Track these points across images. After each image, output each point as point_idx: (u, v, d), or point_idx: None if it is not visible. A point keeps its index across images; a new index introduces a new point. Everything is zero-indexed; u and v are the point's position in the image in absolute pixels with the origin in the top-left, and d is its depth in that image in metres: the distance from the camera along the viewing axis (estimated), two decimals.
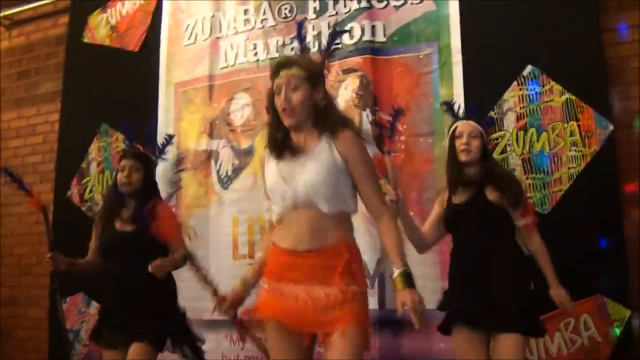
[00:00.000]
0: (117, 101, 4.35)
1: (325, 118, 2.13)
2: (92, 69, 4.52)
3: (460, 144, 2.71)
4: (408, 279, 1.98)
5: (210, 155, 4.03)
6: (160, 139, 3.79)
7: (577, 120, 3.29)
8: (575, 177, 3.26)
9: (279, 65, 2.15)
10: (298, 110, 2.08)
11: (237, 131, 3.99)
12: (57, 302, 3.41)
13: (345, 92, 3.71)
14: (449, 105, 3.00)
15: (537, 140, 3.38)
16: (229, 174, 3.96)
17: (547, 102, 3.38)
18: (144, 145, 3.30)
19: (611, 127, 3.23)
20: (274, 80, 2.13)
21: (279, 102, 2.09)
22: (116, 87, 4.38)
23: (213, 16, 4.20)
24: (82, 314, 4.28)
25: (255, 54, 4.02)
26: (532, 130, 3.39)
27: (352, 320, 2.00)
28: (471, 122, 2.75)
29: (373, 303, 3.43)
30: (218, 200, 3.98)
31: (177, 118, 4.17)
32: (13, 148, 5.15)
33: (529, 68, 3.42)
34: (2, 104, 5.29)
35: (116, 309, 2.94)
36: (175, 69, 4.28)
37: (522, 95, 3.43)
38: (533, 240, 2.63)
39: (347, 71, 3.73)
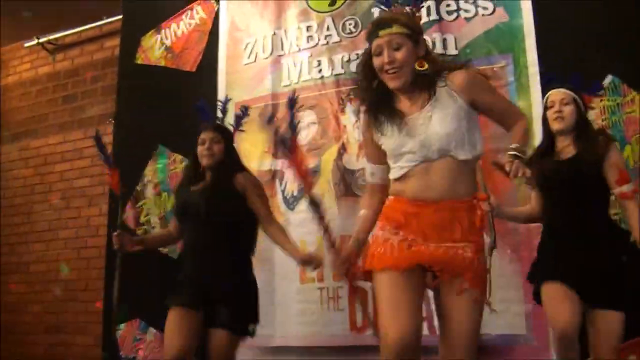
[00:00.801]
0: (174, 122, 4.27)
1: (427, 76, 2.04)
2: (147, 91, 4.45)
3: (552, 112, 2.68)
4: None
5: (274, 176, 3.93)
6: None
7: None
8: None
9: (377, 26, 2.08)
10: (403, 70, 2.01)
11: (303, 151, 3.88)
12: (112, 286, 3.25)
13: None
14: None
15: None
16: (295, 194, 3.85)
17: (629, 112, 3.29)
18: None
19: None
20: (372, 42, 2.05)
21: (381, 63, 2.02)
22: (173, 108, 4.31)
23: (274, 34, 4.14)
24: (138, 340, 4.13)
25: (320, 70, 3.94)
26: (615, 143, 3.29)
27: (478, 284, 1.96)
28: (562, 90, 2.70)
29: None
30: (284, 222, 3.85)
31: (238, 138, 4.06)
32: (59, 172, 5.06)
33: (609, 78, 3.34)
34: (46, 128, 5.22)
35: (197, 274, 2.81)
36: (235, 89, 4.19)
37: (604, 107, 3.34)
38: (629, 208, 2.52)
39: None
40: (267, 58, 4.14)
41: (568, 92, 2.68)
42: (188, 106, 4.20)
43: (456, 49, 3.65)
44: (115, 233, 2.99)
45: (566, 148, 2.65)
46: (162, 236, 3.13)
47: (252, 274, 2.91)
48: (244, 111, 3.32)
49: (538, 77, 3.45)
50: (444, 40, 3.67)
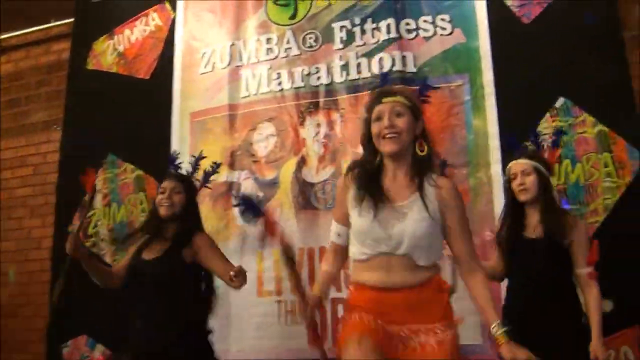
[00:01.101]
0: (126, 131, 4.16)
1: (424, 162, 2.06)
2: (98, 97, 4.30)
3: (516, 184, 2.72)
4: (509, 332, 1.93)
5: (231, 187, 3.88)
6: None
7: (611, 151, 3.36)
8: (610, 208, 3.31)
9: (380, 93, 2.11)
10: (402, 137, 2.01)
11: (261, 162, 3.87)
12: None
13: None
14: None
15: (572, 172, 3.42)
16: None
17: (580, 133, 3.44)
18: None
19: None
20: (374, 108, 2.06)
21: (380, 128, 2.02)
22: (125, 116, 4.19)
23: (233, 45, 4.10)
24: (86, 358, 3.96)
25: (279, 83, 3.93)
26: (567, 161, 3.41)
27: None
28: (522, 160, 2.75)
29: None
30: (240, 234, 3.81)
31: (193, 148, 4.01)
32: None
33: (561, 100, 3.48)
34: None
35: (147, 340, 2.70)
36: (191, 98, 4.13)
37: (556, 127, 3.47)
38: (592, 291, 2.58)
39: None
40: (224, 68, 4.09)
41: (528, 162, 2.72)
42: (141, 114, 4.14)
43: (415, 66, 3.72)
44: (72, 232, 2.86)
45: (534, 223, 2.68)
46: (104, 272, 2.96)
47: (207, 342, 2.83)
48: (214, 168, 3.27)
49: (494, 98, 3.57)
50: (403, 58, 3.73)
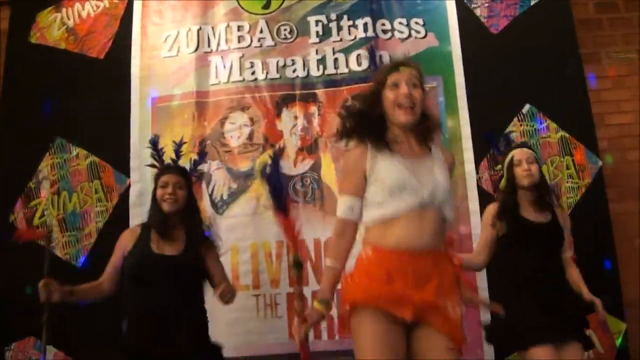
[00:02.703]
0: (77, 113, 3.80)
1: (429, 132, 2.12)
2: (43, 74, 3.88)
3: (522, 170, 2.88)
4: None
5: (201, 177, 3.68)
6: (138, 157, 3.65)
7: (572, 155, 3.69)
8: (572, 205, 3.63)
9: (397, 62, 2.15)
10: (416, 109, 2.06)
11: (234, 152, 3.73)
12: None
13: None
14: (487, 138, 3.22)
15: None
16: (224, 198, 3.66)
17: (544, 137, 3.74)
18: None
19: (600, 163, 3.68)
20: (390, 75, 2.09)
21: (397, 95, 2.05)
22: (75, 97, 3.83)
23: (200, 29, 3.91)
24: None
25: (253, 72, 3.82)
26: None
27: (462, 342, 2.00)
28: (525, 149, 2.96)
29: None
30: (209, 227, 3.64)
31: (163, 133, 3.76)
32: None
33: (527, 106, 3.76)
34: None
35: (153, 341, 2.56)
36: (153, 82, 3.86)
37: (523, 131, 3.74)
38: (574, 269, 2.88)
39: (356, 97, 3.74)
40: (191, 53, 3.89)
41: (530, 151, 2.93)
42: (95, 96, 3.82)
43: None
44: (40, 283, 2.60)
45: (531, 206, 2.86)
46: (92, 289, 2.72)
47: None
48: (201, 156, 3.27)
49: (465, 100, 3.75)
50: (380, 57, 3.81)
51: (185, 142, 3.24)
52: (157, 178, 2.83)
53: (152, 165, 3.08)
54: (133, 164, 3.74)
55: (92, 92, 3.84)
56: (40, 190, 3.72)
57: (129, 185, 3.73)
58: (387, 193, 2.00)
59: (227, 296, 2.64)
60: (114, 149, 3.77)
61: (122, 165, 3.75)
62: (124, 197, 3.72)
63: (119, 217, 3.68)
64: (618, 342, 3.46)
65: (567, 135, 3.71)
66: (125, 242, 2.77)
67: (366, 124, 2.10)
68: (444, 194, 2.02)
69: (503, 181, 2.97)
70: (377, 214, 2.02)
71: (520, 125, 3.75)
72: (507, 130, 3.69)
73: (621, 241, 3.61)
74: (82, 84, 3.86)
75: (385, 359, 1.91)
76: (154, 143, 3.11)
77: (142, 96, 3.85)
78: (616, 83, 4.04)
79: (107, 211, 3.72)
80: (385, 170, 2.02)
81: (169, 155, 3.08)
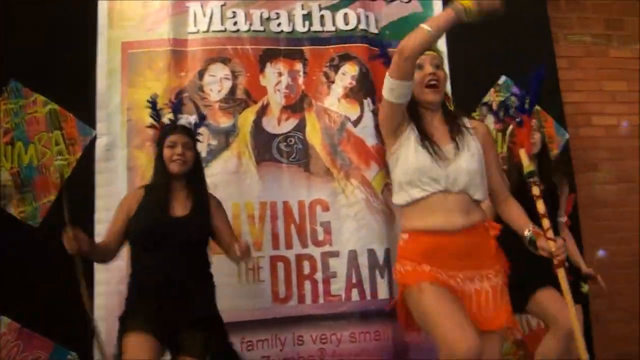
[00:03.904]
0: (34, 54, 3.38)
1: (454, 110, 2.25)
2: None
3: None
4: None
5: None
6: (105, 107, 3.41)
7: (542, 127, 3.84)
8: None
9: None
10: (441, 88, 2.17)
11: (214, 107, 3.50)
12: None
13: (344, 78, 3.61)
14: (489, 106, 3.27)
15: None
16: (204, 155, 3.43)
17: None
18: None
19: (567, 135, 3.88)
20: None
21: (423, 75, 2.14)
22: (31, 36, 3.40)
23: None
24: None
25: (235, 23, 3.59)
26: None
27: (507, 320, 2.08)
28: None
29: (384, 292, 3.39)
30: None
31: (126, 84, 3.45)
32: None
33: (503, 78, 3.86)
34: None
35: (161, 303, 2.42)
36: (122, 26, 3.52)
37: (499, 101, 3.83)
38: (569, 239, 3.06)
39: (344, 57, 3.64)
40: None
41: (534, 120, 2.99)
42: (54, 37, 3.43)
43: (377, 28, 3.76)
44: (67, 234, 2.32)
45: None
46: (106, 248, 2.54)
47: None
48: (202, 119, 3.12)
49: (447, 69, 3.76)
50: (367, 18, 3.73)
51: (157, 96, 3.09)
52: (162, 137, 2.66)
53: (152, 126, 2.95)
54: (100, 114, 3.42)
55: (52, 33, 3.42)
56: None
57: (95, 138, 3.40)
58: (409, 178, 2.09)
59: (247, 255, 2.49)
60: (77, 97, 3.40)
61: (87, 116, 3.41)
62: (89, 150, 3.39)
63: (82, 172, 3.36)
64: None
65: (539, 108, 3.86)
66: (128, 205, 2.59)
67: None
68: (466, 179, 2.07)
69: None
70: (404, 195, 2.12)
71: (497, 95, 3.84)
72: (485, 99, 3.79)
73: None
74: (40, 23, 3.43)
75: (453, 312, 1.94)
76: (153, 103, 2.95)
77: (111, 40, 3.50)
78: (571, 63, 4.28)
79: (68, 165, 3.37)
80: (410, 153, 2.10)
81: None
